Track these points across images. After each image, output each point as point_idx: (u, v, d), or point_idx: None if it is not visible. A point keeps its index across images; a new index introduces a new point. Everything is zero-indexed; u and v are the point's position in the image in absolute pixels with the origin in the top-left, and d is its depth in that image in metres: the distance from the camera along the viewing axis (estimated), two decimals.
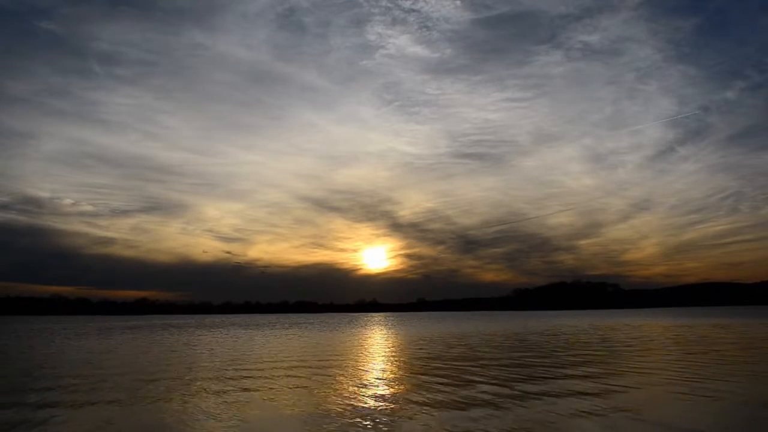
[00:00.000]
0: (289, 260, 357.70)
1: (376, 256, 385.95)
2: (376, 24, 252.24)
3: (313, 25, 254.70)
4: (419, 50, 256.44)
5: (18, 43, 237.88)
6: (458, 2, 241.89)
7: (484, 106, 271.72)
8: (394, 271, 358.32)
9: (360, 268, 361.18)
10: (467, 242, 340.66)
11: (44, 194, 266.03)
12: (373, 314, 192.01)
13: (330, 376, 15.33)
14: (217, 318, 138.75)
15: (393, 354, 22.84)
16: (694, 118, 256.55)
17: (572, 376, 14.31)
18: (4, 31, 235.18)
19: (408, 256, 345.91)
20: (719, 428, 8.30)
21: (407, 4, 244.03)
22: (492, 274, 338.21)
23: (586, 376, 14.25)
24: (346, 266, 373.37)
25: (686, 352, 21.46)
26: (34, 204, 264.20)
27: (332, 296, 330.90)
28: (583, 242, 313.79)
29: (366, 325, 67.02)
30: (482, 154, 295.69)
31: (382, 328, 55.62)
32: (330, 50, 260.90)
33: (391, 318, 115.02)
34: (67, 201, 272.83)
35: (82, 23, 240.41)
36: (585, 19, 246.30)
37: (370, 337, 36.89)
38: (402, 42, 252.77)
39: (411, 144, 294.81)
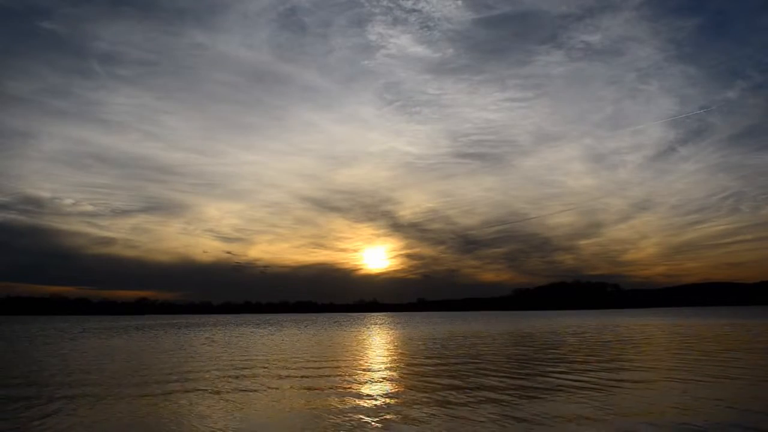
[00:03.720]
0: (289, 260, 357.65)
1: (376, 256, 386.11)
2: (377, 24, 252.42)
3: (314, 25, 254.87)
4: (420, 50, 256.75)
5: (19, 42, 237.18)
6: (459, 2, 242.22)
7: (485, 106, 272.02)
8: (395, 271, 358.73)
9: (360, 268, 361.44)
10: (467, 242, 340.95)
11: (45, 194, 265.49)
12: (374, 314, 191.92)
13: (343, 377, 15.35)
14: (220, 317, 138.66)
15: (412, 353, 22.82)
16: (695, 118, 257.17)
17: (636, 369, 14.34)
18: (5, 31, 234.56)
19: (408, 256, 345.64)
20: None
21: (408, 4, 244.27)
22: (492, 274, 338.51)
23: (650, 369, 14.28)
24: (346, 266, 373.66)
25: (725, 350, 21.64)
26: (34, 204, 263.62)
27: (332, 296, 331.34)
28: (583, 242, 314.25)
29: (373, 325, 66.98)
30: (483, 154, 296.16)
31: (390, 328, 55.60)
32: (331, 50, 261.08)
33: (392, 318, 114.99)
34: (68, 201, 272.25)
35: (83, 23, 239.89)
36: (586, 18, 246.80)
37: (386, 338, 36.87)
38: (403, 42, 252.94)
39: (412, 144, 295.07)
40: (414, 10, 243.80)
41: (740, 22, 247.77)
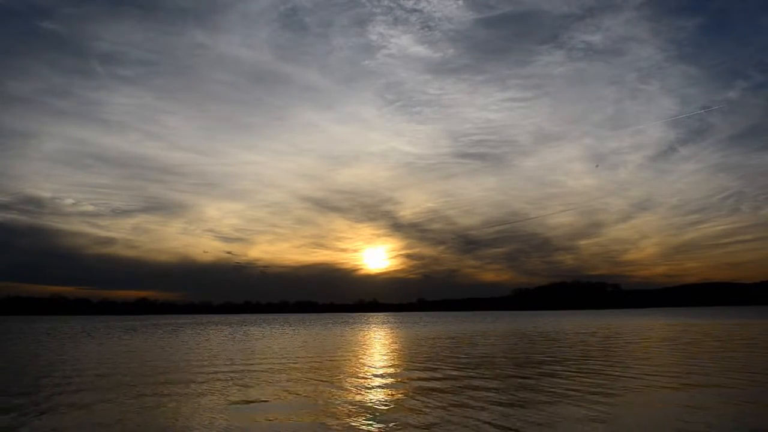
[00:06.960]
0: (289, 260, 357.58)
1: (376, 256, 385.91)
2: (378, 24, 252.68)
3: (314, 25, 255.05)
4: (421, 50, 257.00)
5: (19, 42, 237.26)
6: (460, 2, 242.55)
7: (486, 106, 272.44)
8: (395, 271, 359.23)
9: (360, 268, 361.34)
10: (468, 242, 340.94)
11: (45, 194, 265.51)
12: (374, 314, 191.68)
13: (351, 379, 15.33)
14: (222, 317, 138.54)
15: (425, 353, 22.81)
16: (696, 118, 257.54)
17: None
18: (6, 31, 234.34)
19: (408, 256, 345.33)
20: None
21: (409, 4, 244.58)
22: (492, 274, 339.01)
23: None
24: (346, 266, 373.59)
25: (746, 346, 21.74)
26: (35, 204, 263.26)
27: (332, 296, 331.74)
28: (583, 242, 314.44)
29: (378, 324, 66.99)
30: (483, 154, 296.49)
31: (394, 328, 55.60)
32: (332, 50, 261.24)
33: (393, 318, 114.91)
34: (68, 201, 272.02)
35: (84, 23, 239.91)
36: (587, 18, 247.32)
37: (393, 337, 36.86)
38: (404, 42, 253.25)
39: (412, 144, 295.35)
40: (415, 10, 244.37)
41: (741, 22, 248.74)
